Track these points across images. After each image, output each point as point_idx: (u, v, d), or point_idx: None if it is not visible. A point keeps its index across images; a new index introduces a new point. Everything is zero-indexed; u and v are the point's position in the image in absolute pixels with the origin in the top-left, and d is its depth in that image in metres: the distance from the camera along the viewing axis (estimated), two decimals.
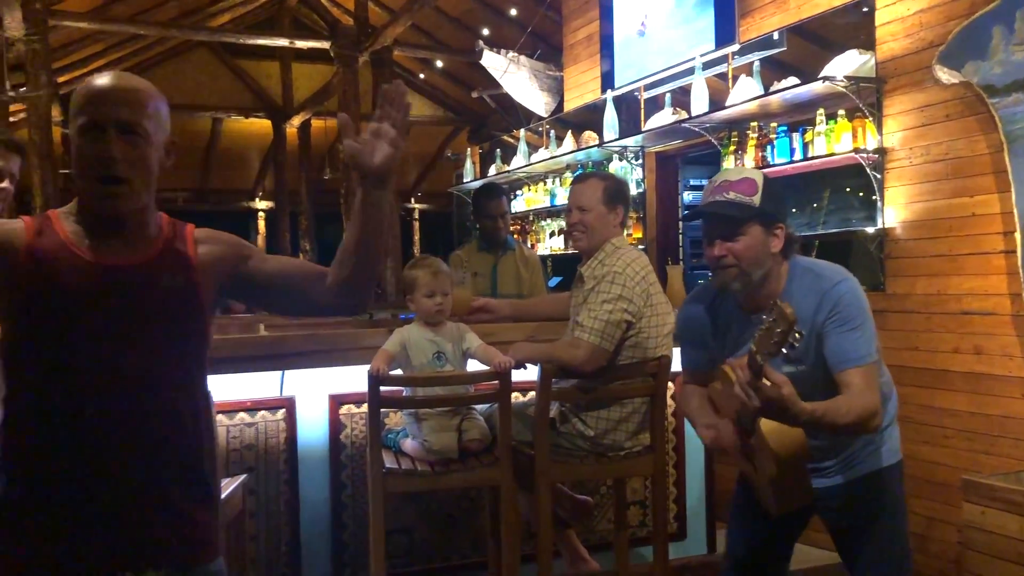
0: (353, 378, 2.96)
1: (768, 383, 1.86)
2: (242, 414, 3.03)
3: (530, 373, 2.81)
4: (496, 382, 2.76)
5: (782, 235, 2.17)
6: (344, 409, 3.16)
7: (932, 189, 3.65)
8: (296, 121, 11.83)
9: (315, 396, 3.14)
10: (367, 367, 2.69)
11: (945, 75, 3.49)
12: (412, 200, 14.12)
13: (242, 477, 2.58)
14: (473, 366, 2.90)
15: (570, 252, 5.91)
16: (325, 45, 8.46)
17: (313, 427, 3.13)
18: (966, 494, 3.09)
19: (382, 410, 2.83)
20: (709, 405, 2.32)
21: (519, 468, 2.81)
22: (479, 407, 2.93)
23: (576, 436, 2.86)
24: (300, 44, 9.22)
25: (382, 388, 2.69)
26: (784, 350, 1.82)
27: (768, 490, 2.18)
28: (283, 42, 9.38)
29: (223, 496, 2.18)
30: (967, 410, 3.52)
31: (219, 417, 2.92)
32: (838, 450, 2.24)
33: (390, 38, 8.06)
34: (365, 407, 2.89)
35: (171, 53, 11.31)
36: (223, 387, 2.92)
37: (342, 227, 8.99)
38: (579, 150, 5.71)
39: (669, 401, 3.55)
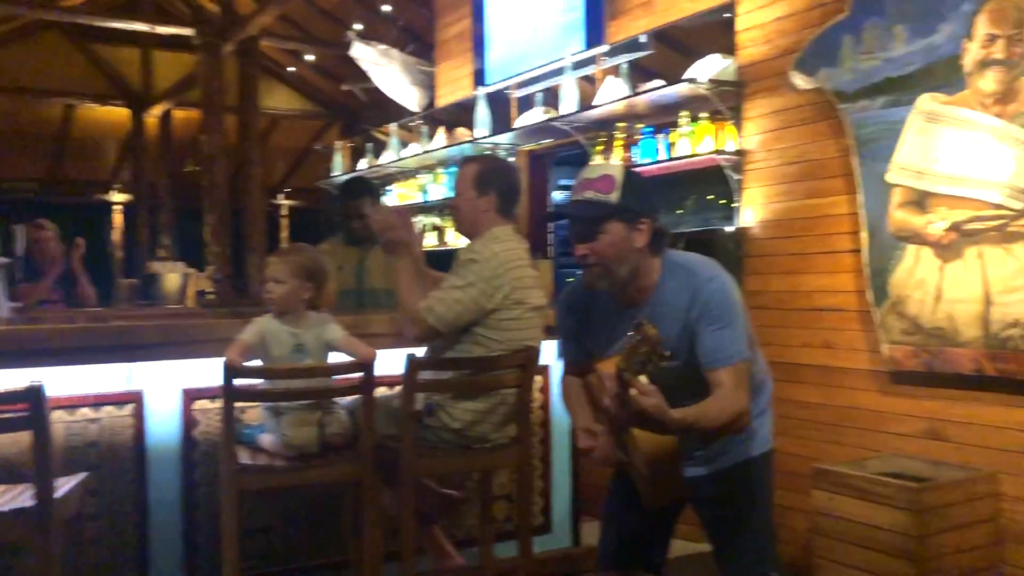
0: (208, 371, 2.82)
1: (636, 393, 1.86)
2: (85, 409, 2.84)
3: (396, 366, 2.75)
4: (360, 374, 2.69)
5: (647, 229, 2.15)
6: (198, 404, 3.01)
7: (787, 190, 3.80)
8: (156, 111, 11.34)
9: (167, 390, 2.98)
10: (224, 359, 2.57)
11: (800, 81, 3.64)
12: (280, 196, 13.75)
13: (80, 476, 2.41)
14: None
15: (442, 248, 5.87)
16: (188, 32, 8.13)
17: (164, 423, 2.97)
18: (816, 482, 3.22)
19: (239, 404, 2.71)
20: (587, 396, 2.32)
21: (383, 463, 2.75)
22: (343, 400, 2.85)
23: (442, 429, 2.82)
24: (161, 30, 8.85)
25: (239, 381, 2.58)
26: (648, 368, 1.84)
27: (641, 486, 2.21)
28: (143, 27, 8.97)
29: (56, 496, 2.03)
30: (817, 402, 3.68)
31: (58, 413, 2.73)
32: (709, 441, 2.26)
33: (257, 28, 7.83)
34: (221, 402, 2.76)
35: (19, 33, 10.62)
36: (64, 380, 2.74)
37: (202, 222, 8.66)
38: (451, 146, 5.68)
39: (537, 393, 3.57)
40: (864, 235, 3.42)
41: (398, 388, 2.81)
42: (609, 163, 2.18)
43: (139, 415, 2.91)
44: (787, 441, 3.78)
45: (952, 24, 3.10)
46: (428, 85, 6.52)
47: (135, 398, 2.91)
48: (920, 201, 3.23)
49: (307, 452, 2.69)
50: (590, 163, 4.58)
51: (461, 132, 5.67)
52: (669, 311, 2.15)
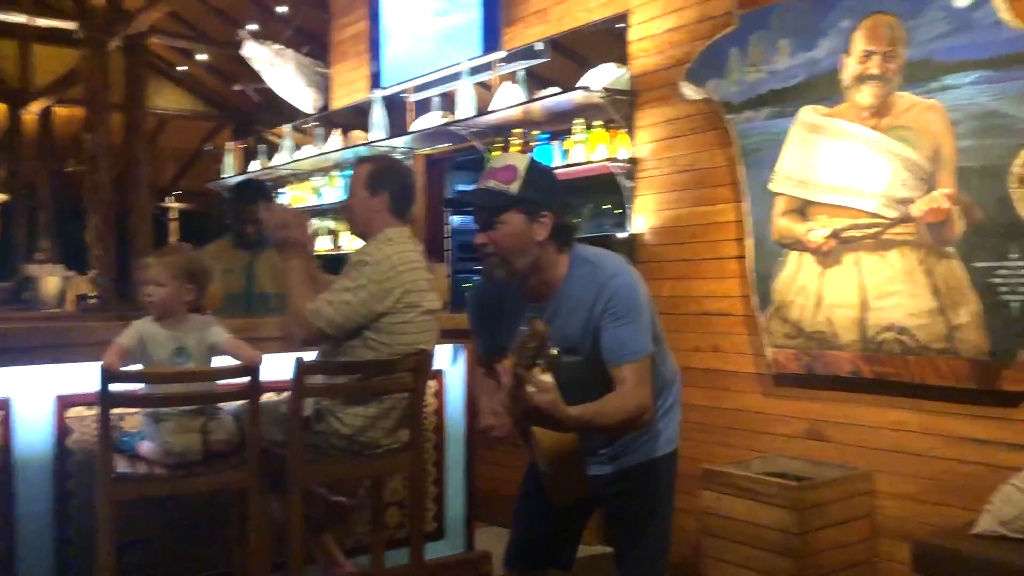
0: (84, 377, 2.68)
1: (532, 390, 1.85)
2: None
3: (285, 370, 2.67)
4: (245, 378, 2.61)
5: (548, 223, 2.12)
6: (73, 411, 2.86)
7: (677, 198, 3.89)
8: (35, 107, 10.80)
9: (38, 397, 2.82)
10: (101, 363, 2.45)
11: (690, 91, 3.73)
12: (169, 198, 13.29)
13: None
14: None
15: (337, 252, 5.77)
16: (71, 26, 7.78)
17: (34, 431, 2.81)
18: (704, 482, 3.29)
19: (116, 410, 2.59)
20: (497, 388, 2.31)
21: (270, 470, 2.67)
22: (229, 406, 2.76)
23: (331, 435, 2.76)
24: (42, 22, 8.44)
25: (116, 386, 2.46)
26: (539, 363, 1.84)
27: (546, 482, 2.21)
28: (21, 19, 8.53)
29: None
30: (706, 404, 3.76)
31: None
32: (611, 438, 2.26)
33: (146, 24, 7.56)
34: (98, 409, 2.63)
35: None
36: None
37: (84, 223, 8.29)
38: (346, 148, 5.60)
39: (431, 398, 3.54)
40: (749, 242, 3.53)
41: (287, 393, 2.73)
42: (515, 155, 2.15)
43: (6, 423, 2.75)
44: (678, 443, 3.86)
45: (832, 40, 3.23)
46: (323, 87, 6.41)
47: (2, 405, 2.75)
48: (802, 209, 3.35)
49: (189, 460, 2.59)
50: (493, 156, 4.59)
51: (357, 135, 5.60)
52: (574, 306, 2.14)
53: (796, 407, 3.45)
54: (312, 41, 6.84)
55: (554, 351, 1.85)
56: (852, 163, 3.18)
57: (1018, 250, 2.75)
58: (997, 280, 2.80)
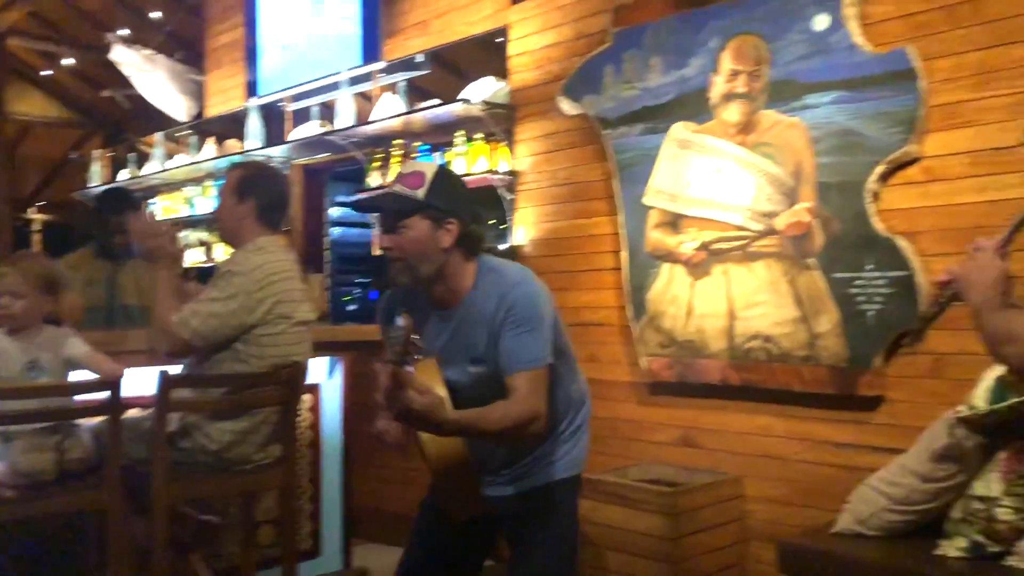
0: None
1: (410, 393, 1.81)
2: None
3: (149, 385, 2.56)
4: (105, 394, 2.48)
5: (454, 230, 2.09)
6: None
7: (556, 211, 3.94)
8: None
9: None
10: None
11: (567, 106, 3.79)
12: (31, 210, 12.57)
13: None
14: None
15: (209, 265, 5.58)
16: None
17: None
18: (582, 491, 3.32)
19: None
20: None
21: (132, 489, 2.55)
22: (88, 423, 2.62)
23: (198, 451, 2.66)
24: None
25: None
26: (407, 360, 1.81)
27: (437, 495, 2.17)
28: None
29: None
30: None
31: None
32: (511, 459, 2.21)
33: (4, 25, 7.15)
34: None
35: None
36: None
37: None
38: (220, 157, 5.43)
39: (306, 412, 3.45)
40: (624, 254, 3.60)
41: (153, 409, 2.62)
42: (425, 163, 2.13)
43: None
44: (582, 469, 3.89)
45: (701, 59, 3.34)
46: (197, 94, 6.22)
47: None
48: (674, 222, 3.44)
49: (42, 480, 2.45)
50: (367, 182, 4.54)
51: (232, 144, 5.45)
52: (479, 316, 2.11)
53: (669, 415, 3.53)
54: (186, 47, 6.62)
55: (421, 345, 1.83)
56: (720, 178, 3.29)
57: (873, 262, 2.90)
58: (854, 290, 2.94)
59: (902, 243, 2.84)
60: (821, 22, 3.01)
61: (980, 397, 2.43)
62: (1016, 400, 2.33)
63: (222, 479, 2.71)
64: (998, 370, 2.42)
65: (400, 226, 2.08)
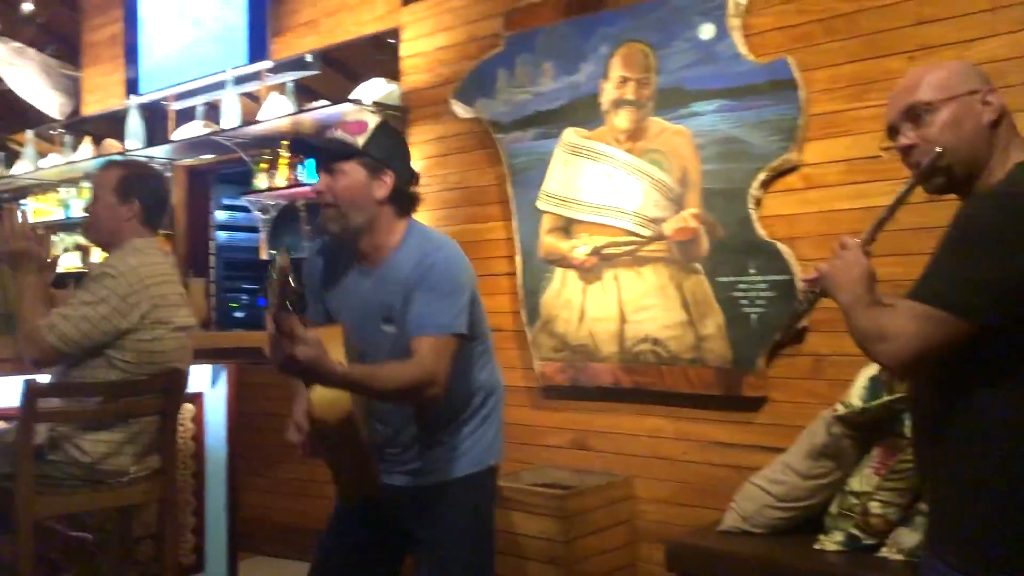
0: None
1: (294, 341, 1.70)
2: None
3: (11, 394, 2.41)
4: None
5: (389, 183, 2.05)
6: None
7: (450, 215, 3.91)
8: None
9: None
10: None
11: (460, 110, 3.77)
12: None
13: None
14: None
15: (85, 271, 5.32)
16: None
17: None
18: (496, 486, 3.29)
19: None
20: None
21: None
22: None
23: (69, 464, 2.51)
24: None
25: None
26: (287, 302, 1.76)
27: (334, 474, 2.06)
28: None
29: None
30: None
31: None
32: (414, 441, 2.14)
33: None
34: None
35: None
36: None
37: None
38: (98, 157, 5.19)
39: (188, 423, 3.32)
40: (519, 259, 3.61)
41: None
42: (370, 115, 2.08)
43: None
44: (493, 464, 3.86)
45: (592, 65, 3.38)
46: (72, 91, 5.92)
47: None
48: (566, 227, 3.46)
49: None
50: (255, 183, 4.42)
51: (110, 143, 5.21)
52: (399, 276, 2.05)
53: (563, 418, 3.55)
54: (60, 41, 6.30)
55: (295, 286, 1.76)
56: (610, 184, 3.33)
57: (756, 266, 2.98)
58: (738, 294, 3.02)
59: (783, 248, 2.93)
60: (707, 31, 3.08)
61: (856, 396, 2.53)
62: (889, 398, 2.44)
63: (95, 493, 2.57)
64: (873, 369, 2.53)
65: (336, 170, 2.04)
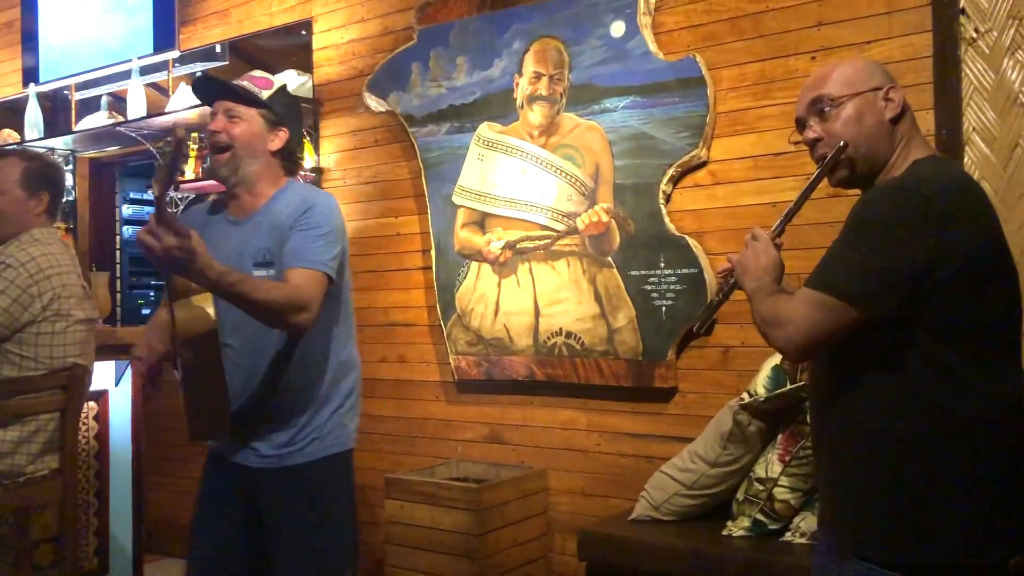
0: None
1: (179, 231, 1.68)
2: None
3: None
4: None
5: (283, 138, 2.16)
6: None
7: (364, 209, 3.88)
8: None
9: None
10: None
11: (373, 103, 3.74)
12: None
13: None
14: None
15: None
16: None
17: None
18: (388, 492, 3.29)
19: None
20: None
21: None
22: None
23: None
24: None
25: None
26: (173, 174, 1.80)
27: (184, 404, 2.04)
28: None
29: None
30: (392, 415, 3.78)
31: None
32: (272, 415, 2.11)
33: None
34: None
35: None
36: None
37: None
38: None
39: (91, 421, 3.22)
40: (433, 253, 3.60)
41: None
42: (272, 77, 2.16)
43: None
44: (363, 456, 3.81)
45: (506, 60, 3.40)
46: None
47: None
48: (481, 222, 3.47)
49: None
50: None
51: (8, 134, 5.00)
52: (275, 219, 2.10)
53: (477, 412, 3.56)
54: None
55: (183, 152, 1.81)
56: (525, 178, 3.35)
57: (666, 260, 3.04)
58: (649, 287, 3.08)
59: (692, 242, 3.00)
60: (618, 29, 3.13)
61: (760, 384, 2.60)
62: (792, 387, 2.52)
63: None
64: (776, 359, 2.61)
65: (236, 115, 2.10)
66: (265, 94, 2.13)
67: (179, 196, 4.40)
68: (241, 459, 2.15)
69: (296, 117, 2.26)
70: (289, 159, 2.21)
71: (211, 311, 1.96)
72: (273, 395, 2.11)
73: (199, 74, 2.35)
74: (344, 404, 2.22)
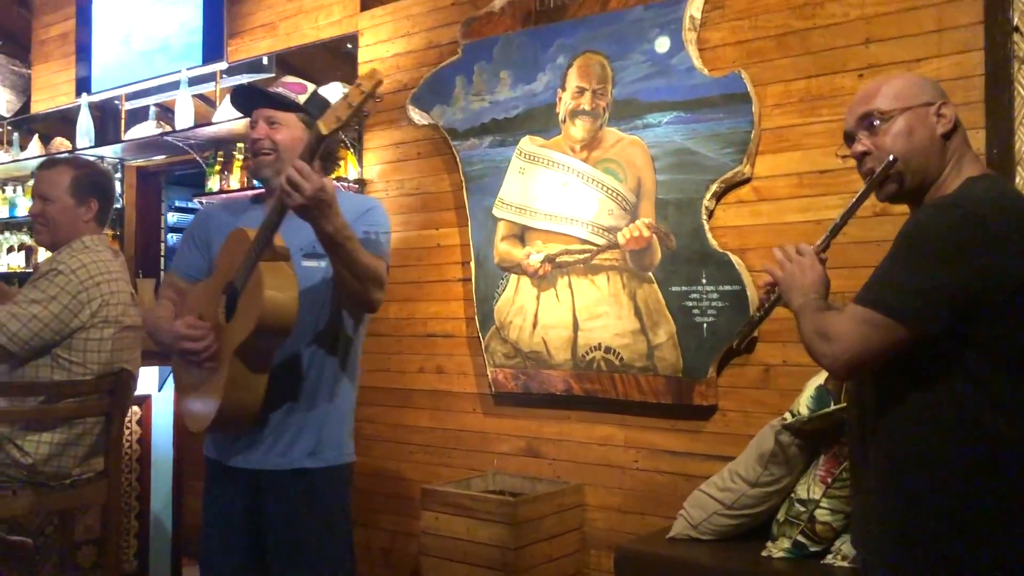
0: None
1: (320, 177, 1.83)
2: None
3: None
4: None
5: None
6: None
7: (405, 221, 3.90)
8: None
9: None
10: None
11: (417, 116, 3.77)
12: None
13: None
14: None
15: (30, 271, 5.21)
16: None
17: None
18: (424, 503, 3.29)
19: None
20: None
21: None
22: None
23: (9, 465, 2.46)
24: None
25: None
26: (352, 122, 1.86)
27: (222, 393, 1.96)
28: None
29: None
30: (429, 426, 3.78)
31: None
32: (282, 418, 2.10)
33: None
34: None
35: None
36: None
37: None
38: (46, 156, 5.08)
39: (134, 425, 3.27)
40: (473, 265, 3.61)
41: None
42: (307, 82, 2.24)
43: None
44: (400, 466, 3.85)
45: (549, 75, 3.41)
46: (21, 88, 5.81)
47: None
48: (521, 235, 3.48)
49: None
50: (208, 185, 4.37)
51: (60, 142, 5.12)
52: None
53: (514, 425, 3.55)
54: (9, 38, 6.18)
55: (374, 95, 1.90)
56: (566, 192, 3.35)
57: (707, 276, 3.02)
58: (690, 303, 3.06)
59: (734, 258, 2.98)
60: (662, 45, 3.12)
61: (803, 404, 2.57)
62: (835, 407, 2.49)
63: (37, 496, 2.51)
64: (820, 379, 2.58)
65: (277, 121, 2.14)
66: (301, 98, 2.17)
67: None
68: (249, 463, 2.12)
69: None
70: (328, 158, 2.25)
71: (295, 276, 1.95)
72: (299, 395, 2.12)
73: (237, 86, 2.38)
74: (349, 416, 2.26)
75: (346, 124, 1.81)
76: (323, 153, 2.14)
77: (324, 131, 1.80)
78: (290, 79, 2.27)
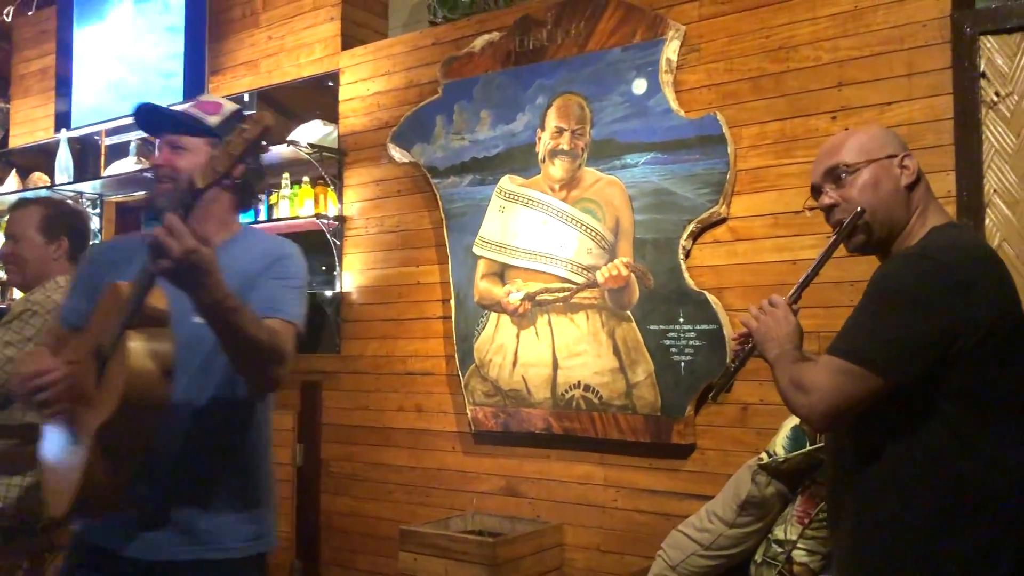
0: None
1: (198, 236, 1.47)
2: None
3: None
4: None
5: (236, 173, 1.74)
6: None
7: (384, 258, 3.91)
8: None
9: None
10: None
11: (397, 154, 3.79)
12: None
13: None
14: None
15: (5, 308, 5.16)
16: None
17: None
18: (402, 543, 3.26)
19: None
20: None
21: None
22: None
23: None
24: None
25: None
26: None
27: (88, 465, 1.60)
28: None
29: None
30: (407, 464, 3.76)
31: None
32: (186, 493, 1.77)
33: None
34: None
35: None
36: None
37: None
38: (24, 191, 5.07)
39: None
40: (453, 303, 3.61)
41: None
42: (228, 101, 1.86)
43: None
44: (378, 505, 3.82)
45: (529, 115, 3.44)
46: (0, 122, 5.79)
47: None
48: (501, 273, 3.49)
49: None
50: None
51: (38, 176, 5.10)
52: (231, 264, 1.68)
53: (494, 464, 3.54)
54: None
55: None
56: (545, 231, 3.37)
57: (685, 315, 3.04)
58: (668, 342, 3.07)
59: (711, 298, 3.00)
60: (639, 86, 3.16)
61: (779, 444, 2.58)
62: (811, 447, 2.50)
63: (5, 539, 2.47)
64: (795, 419, 2.59)
65: (181, 146, 1.81)
66: (213, 119, 1.84)
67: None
68: (141, 552, 1.74)
69: (256, 147, 1.71)
70: (244, 193, 1.92)
71: (170, 348, 1.61)
72: (195, 468, 1.78)
73: (140, 104, 1.86)
74: (271, 492, 1.92)
75: (226, 174, 1.49)
76: (241, 185, 1.88)
77: (199, 184, 1.47)
78: (207, 97, 2.04)
